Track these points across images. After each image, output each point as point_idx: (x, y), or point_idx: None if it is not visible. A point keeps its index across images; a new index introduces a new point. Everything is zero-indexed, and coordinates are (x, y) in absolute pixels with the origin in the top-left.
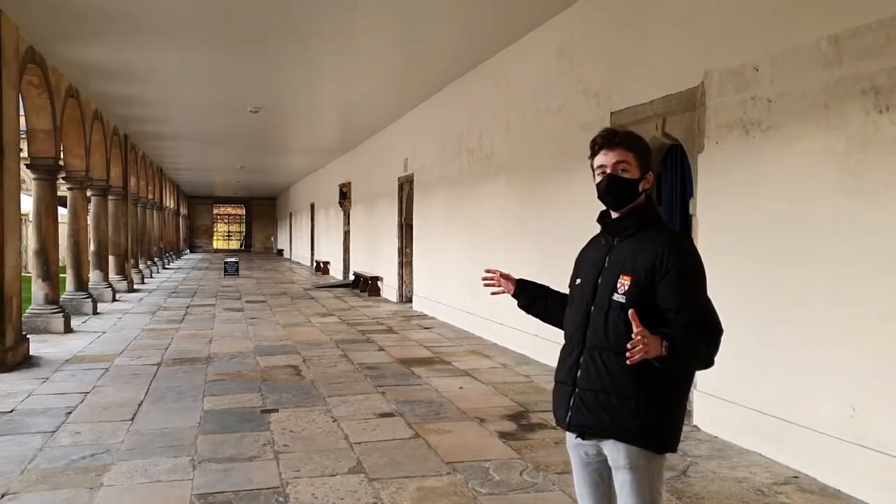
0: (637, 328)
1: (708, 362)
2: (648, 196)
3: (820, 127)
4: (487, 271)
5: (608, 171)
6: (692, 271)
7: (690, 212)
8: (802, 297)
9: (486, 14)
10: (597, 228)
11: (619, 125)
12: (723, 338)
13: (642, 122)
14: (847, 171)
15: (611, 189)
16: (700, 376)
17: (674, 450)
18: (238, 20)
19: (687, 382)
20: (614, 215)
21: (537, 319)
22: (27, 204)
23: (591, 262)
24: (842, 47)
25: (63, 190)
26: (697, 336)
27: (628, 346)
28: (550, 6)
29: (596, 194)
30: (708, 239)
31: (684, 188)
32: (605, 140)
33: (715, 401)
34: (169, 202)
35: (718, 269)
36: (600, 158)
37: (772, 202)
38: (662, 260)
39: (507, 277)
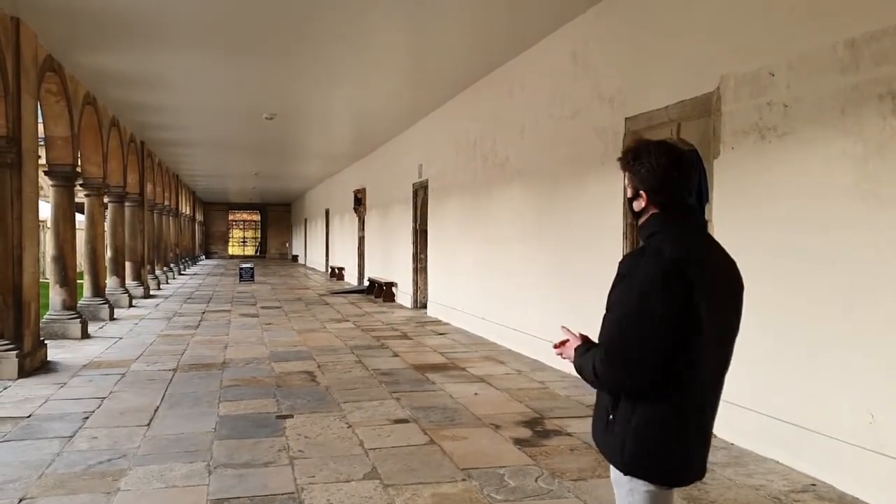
0: (567, 333)
1: (592, 380)
2: (654, 216)
3: (836, 132)
4: (564, 328)
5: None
6: (627, 282)
7: (706, 217)
8: (819, 303)
9: (500, 20)
10: (607, 236)
11: (634, 131)
12: (620, 368)
13: (657, 127)
14: (864, 177)
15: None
16: None
17: (653, 480)
18: (253, 28)
19: (670, 406)
20: None
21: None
22: (45, 210)
23: None
24: (859, 52)
25: (80, 196)
26: (597, 348)
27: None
28: (564, 12)
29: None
30: (724, 244)
31: (700, 194)
32: (619, 160)
33: (731, 407)
34: (185, 208)
35: None
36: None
37: (788, 208)
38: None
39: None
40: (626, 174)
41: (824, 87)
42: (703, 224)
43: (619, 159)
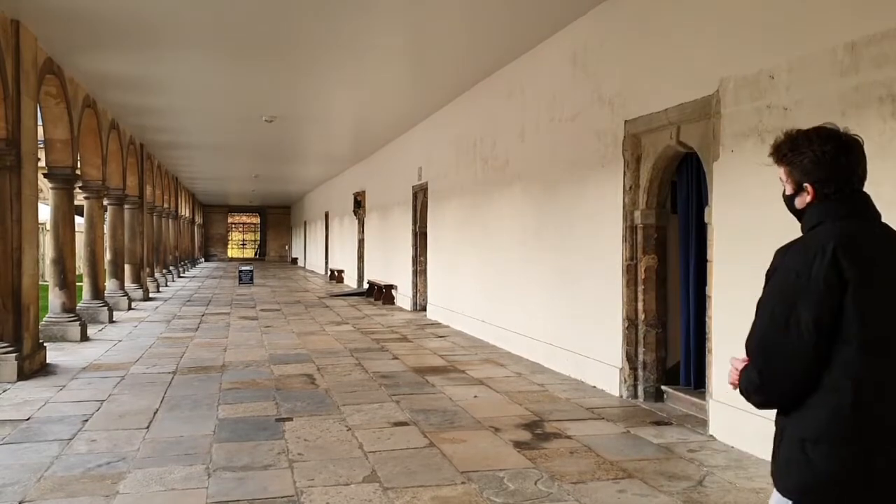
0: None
1: (747, 396)
2: (812, 205)
3: None
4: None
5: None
6: (769, 283)
7: (705, 220)
8: None
9: (500, 23)
10: (607, 239)
11: (633, 133)
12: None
13: (657, 130)
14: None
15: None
16: (715, 384)
17: (794, 500)
18: (253, 31)
19: (795, 421)
20: None
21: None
22: (44, 213)
23: None
24: (858, 55)
25: (80, 199)
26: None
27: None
28: (564, 15)
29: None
30: (723, 247)
31: (700, 197)
32: (771, 155)
33: (731, 410)
34: (184, 211)
35: (734, 278)
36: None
37: (787, 211)
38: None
39: None
40: (783, 169)
41: (824, 89)
42: (876, 214)
43: (772, 154)
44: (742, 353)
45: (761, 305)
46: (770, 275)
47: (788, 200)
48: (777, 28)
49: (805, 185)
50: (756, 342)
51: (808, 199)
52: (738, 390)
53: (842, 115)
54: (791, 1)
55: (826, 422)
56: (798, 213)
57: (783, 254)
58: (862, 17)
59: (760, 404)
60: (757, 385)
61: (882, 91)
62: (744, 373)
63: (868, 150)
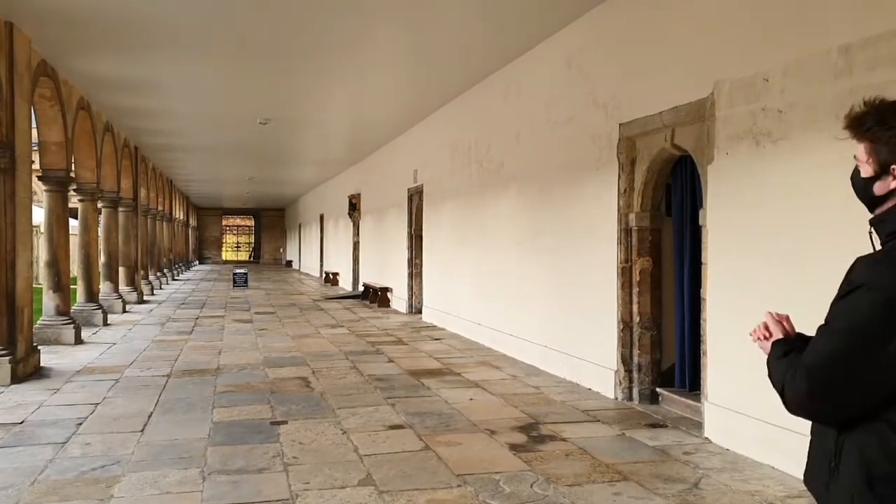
0: (771, 321)
1: (774, 384)
2: None
3: (831, 137)
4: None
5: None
6: (848, 298)
7: (700, 223)
8: (813, 309)
9: (495, 26)
10: (602, 241)
11: (628, 136)
12: (800, 388)
13: (651, 133)
14: None
15: (852, 184)
16: (710, 387)
17: None
18: (248, 33)
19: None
20: None
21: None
22: (39, 216)
23: None
24: (853, 57)
25: (74, 202)
26: (794, 357)
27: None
28: (560, 18)
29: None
30: (717, 250)
31: (694, 199)
32: (848, 127)
33: (726, 412)
34: (178, 213)
35: (728, 281)
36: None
37: (782, 213)
38: (848, 275)
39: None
40: (864, 146)
41: (819, 92)
42: None
43: (849, 126)
44: (734, 357)
45: (834, 324)
46: (848, 291)
47: (864, 185)
48: (771, 31)
49: (894, 167)
50: (821, 361)
51: (892, 184)
52: (766, 360)
53: (836, 119)
54: (785, 4)
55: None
56: (873, 202)
57: (869, 268)
58: (856, 19)
59: (798, 414)
60: (802, 404)
61: (877, 93)
62: (781, 363)
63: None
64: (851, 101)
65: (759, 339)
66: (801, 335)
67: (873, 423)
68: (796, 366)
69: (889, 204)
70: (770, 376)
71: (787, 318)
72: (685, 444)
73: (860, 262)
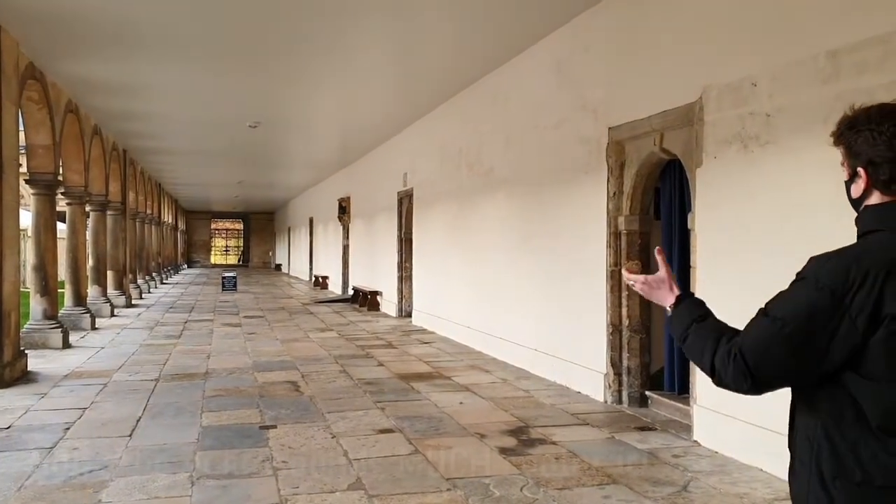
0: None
1: (700, 358)
2: (867, 215)
3: (819, 142)
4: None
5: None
6: (791, 287)
7: (689, 226)
8: None
9: (485, 30)
10: (591, 244)
11: (617, 140)
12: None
13: (640, 137)
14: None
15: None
16: (700, 390)
17: None
18: (237, 36)
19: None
20: None
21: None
22: (26, 219)
23: None
24: (840, 62)
25: (62, 205)
26: (723, 332)
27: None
28: (549, 22)
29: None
30: (706, 253)
31: (683, 203)
32: (832, 134)
33: (715, 416)
34: (167, 217)
35: (716, 284)
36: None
37: (770, 217)
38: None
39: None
40: (841, 150)
41: (806, 97)
42: None
43: (833, 133)
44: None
45: (773, 310)
46: (796, 280)
47: (846, 189)
48: (759, 36)
49: (858, 169)
50: (753, 345)
51: (862, 186)
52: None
53: (824, 123)
54: (773, 9)
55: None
56: (853, 205)
57: (818, 262)
58: (843, 25)
59: (727, 389)
60: (734, 384)
61: (864, 98)
62: (703, 333)
63: None
64: (839, 105)
65: (642, 282)
66: (700, 300)
67: (813, 410)
68: (731, 347)
69: (863, 206)
70: (673, 330)
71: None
72: (674, 447)
73: (812, 258)
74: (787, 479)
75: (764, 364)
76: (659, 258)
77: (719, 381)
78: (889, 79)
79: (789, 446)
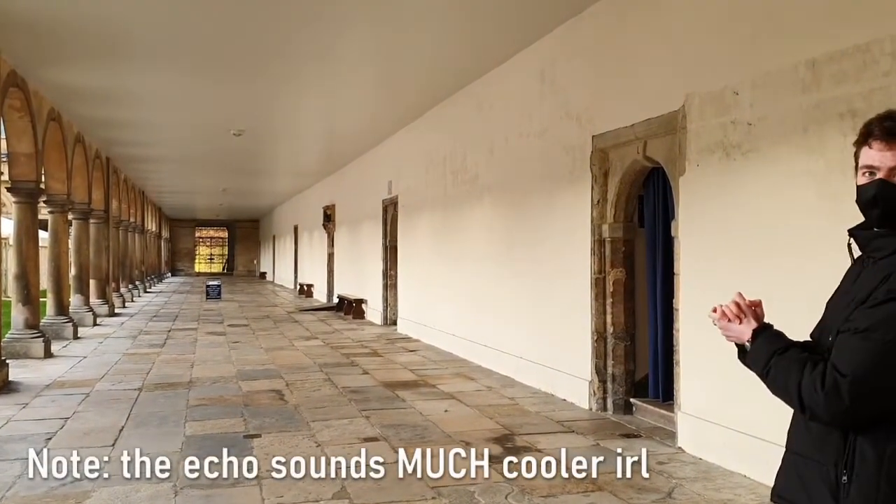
0: (741, 301)
1: (785, 391)
2: None
3: (799, 150)
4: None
5: (880, 174)
6: (889, 306)
7: (672, 234)
8: (783, 319)
9: (470, 39)
10: (575, 252)
11: (601, 148)
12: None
13: (624, 145)
14: (826, 195)
15: (883, 198)
16: (683, 397)
17: None
18: (222, 44)
19: None
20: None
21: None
22: (7, 227)
23: (839, 293)
24: (819, 72)
25: (44, 213)
26: (807, 361)
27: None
28: (533, 30)
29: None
30: (689, 261)
31: (666, 211)
32: (885, 132)
33: (699, 422)
34: (151, 225)
35: (700, 291)
36: (872, 155)
37: (752, 225)
38: (887, 284)
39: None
40: (893, 153)
41: (787, 105)
42: None
43: (871, 131)
44: (707, 367)
45: (874, 333)
46: (889, 299)
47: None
48: (741, 45)
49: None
50: (858, 368)
51: None
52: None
53: (804, 131)
54: (755, 19)
55: None
56: None
57: None
58: (822, 35)
59: (824, 422)
60: (839, 414)
61: (842, 107)
62: (784, 364)
63: (828, 165)
64: (818, 114)
65: (728, 319)
66: (779, 332)
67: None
68: (823, 374)
69: None
70: (753, 365)
71: (760, 304)
72: (659, 454)
73: None
74: (770, 484)
75: (873, 384)
76: (739, 301)
77: (811, 414)
78: (867, 88)
79: (833, 464)
